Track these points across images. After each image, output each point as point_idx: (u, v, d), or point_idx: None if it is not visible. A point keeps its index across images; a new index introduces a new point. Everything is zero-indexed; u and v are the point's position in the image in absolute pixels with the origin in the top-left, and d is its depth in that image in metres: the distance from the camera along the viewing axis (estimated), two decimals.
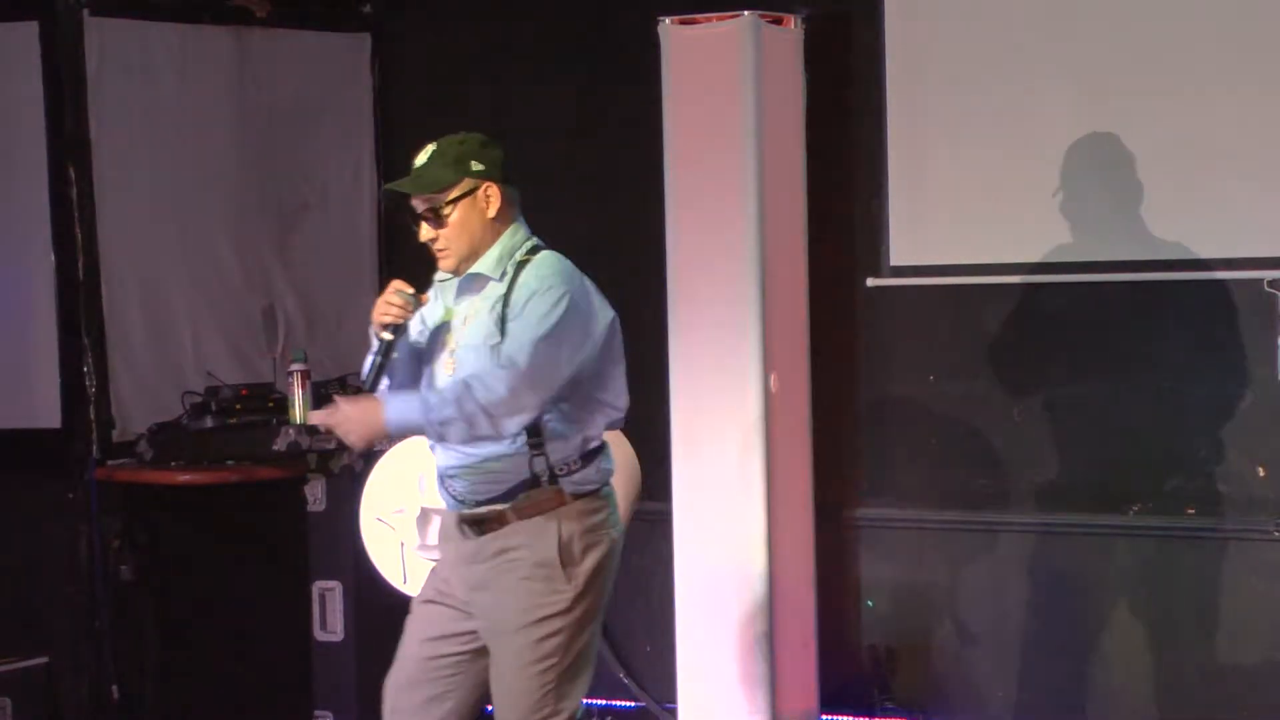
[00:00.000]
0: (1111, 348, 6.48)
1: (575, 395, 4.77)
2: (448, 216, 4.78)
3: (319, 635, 6.98)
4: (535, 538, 4.77)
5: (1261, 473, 6.31)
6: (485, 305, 4.78)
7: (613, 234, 7.14)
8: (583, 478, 4.81)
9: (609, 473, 4.91)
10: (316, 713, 6.91)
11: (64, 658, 6.83)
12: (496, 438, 4.70)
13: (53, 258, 6.83)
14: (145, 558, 6.81)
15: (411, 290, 4.80)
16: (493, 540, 4.80)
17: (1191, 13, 6.32)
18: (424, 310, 4.91)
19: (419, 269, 7.30)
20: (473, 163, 4.80)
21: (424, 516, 5.62)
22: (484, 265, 4.81)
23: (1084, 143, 6.42)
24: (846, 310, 6.81)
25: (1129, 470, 6.45)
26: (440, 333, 4.86)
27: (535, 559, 4.77)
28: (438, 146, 4.83)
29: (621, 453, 5.97)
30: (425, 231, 4.82)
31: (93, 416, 6.80)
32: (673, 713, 6.69)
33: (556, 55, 7.25)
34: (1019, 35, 6.56)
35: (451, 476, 4.85)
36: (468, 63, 7.40)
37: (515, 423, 4.68)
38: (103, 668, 6.77)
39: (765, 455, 6.45)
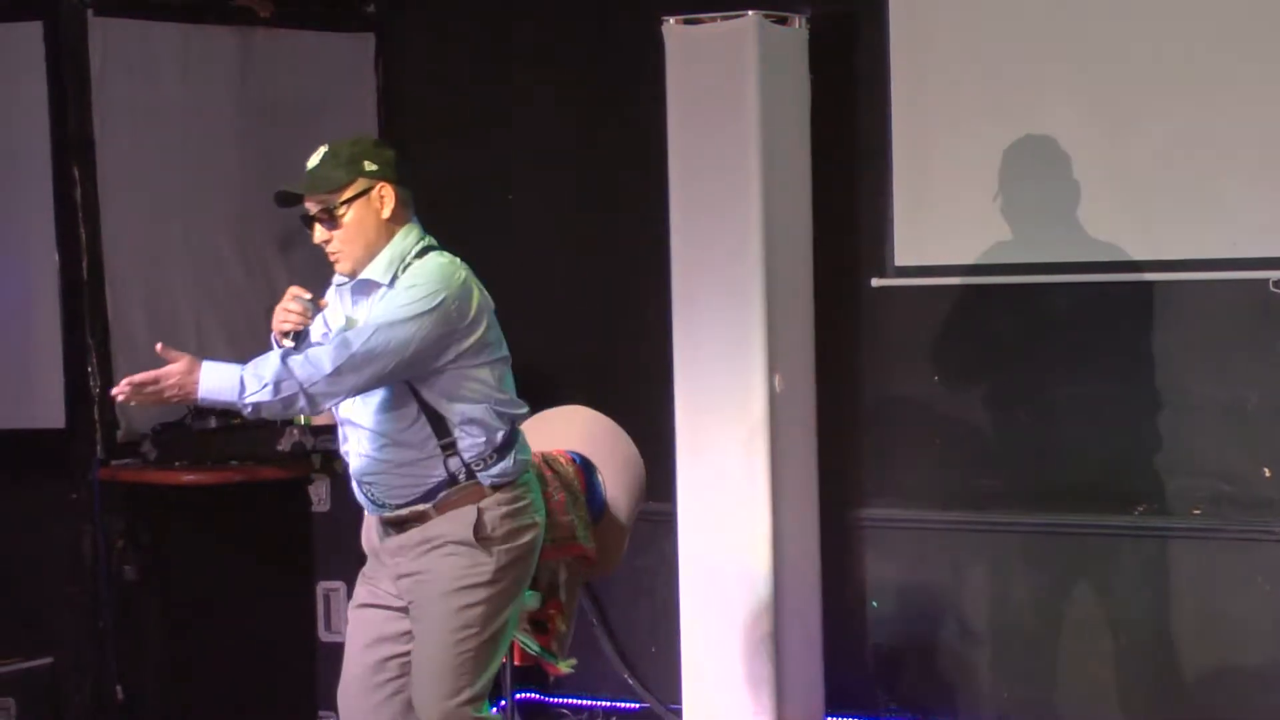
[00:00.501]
0: (1116, 348, 6.47)
1: (474, 394, 4.79)
2: (341, 217, 4.77)
3: (323, 636, 6.99)
4: (455, 523, 4.81)
5: (1267, 473, 6.30)
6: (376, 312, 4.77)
7: (616, 234, 7.14)
8: (501, 470, 4.85)
9: (526, 463, 4.95)
10: (321, 713, 6.90)
11: (68, 658, 6.83)
12: (309, 413, 4.75)
13: (56, 257, 6.83)
14: (149, 558, 6.82)
15: (309, 296, 4.79)
16: (415, 533, 4.84)
17: (1198, 12, 6.31)
18: (326, 313, 4.91)
19: None
20: (366, 163, 4.78)
21: None
22: (374, 270, 4.79)
23: (1090, 142, 6.41)
24: (851, 310, 6.80)
25: (1134, 471, 6.44)
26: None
27: (455, 538, 4.80)
28: (330, 148, 4.81)
29: (625, 452, 5.98)
30: (319, 234, 4.80)
31: (96, 417, 6.79)
32: (678, 714, 6.68)
33: (560, 55, 7.24)
34: (1025, 35, 6.55)
35: (368, 482, 4.87)
36: (471, 63, 7.39)
37: (331, 401, 4.71)
38: (106, 668, 6.77)
39: (770, 455, 6.45)
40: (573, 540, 5.82)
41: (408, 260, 4.79)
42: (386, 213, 4.79)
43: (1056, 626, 6.56)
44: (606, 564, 5.99)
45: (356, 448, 4.88)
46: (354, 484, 4.95)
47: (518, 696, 6.30)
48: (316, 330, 4.90)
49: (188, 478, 6.70)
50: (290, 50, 7.39)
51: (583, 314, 7.21)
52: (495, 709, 6.28)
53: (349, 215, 4.76)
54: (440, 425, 4.78)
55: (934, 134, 6.65)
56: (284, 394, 4.63)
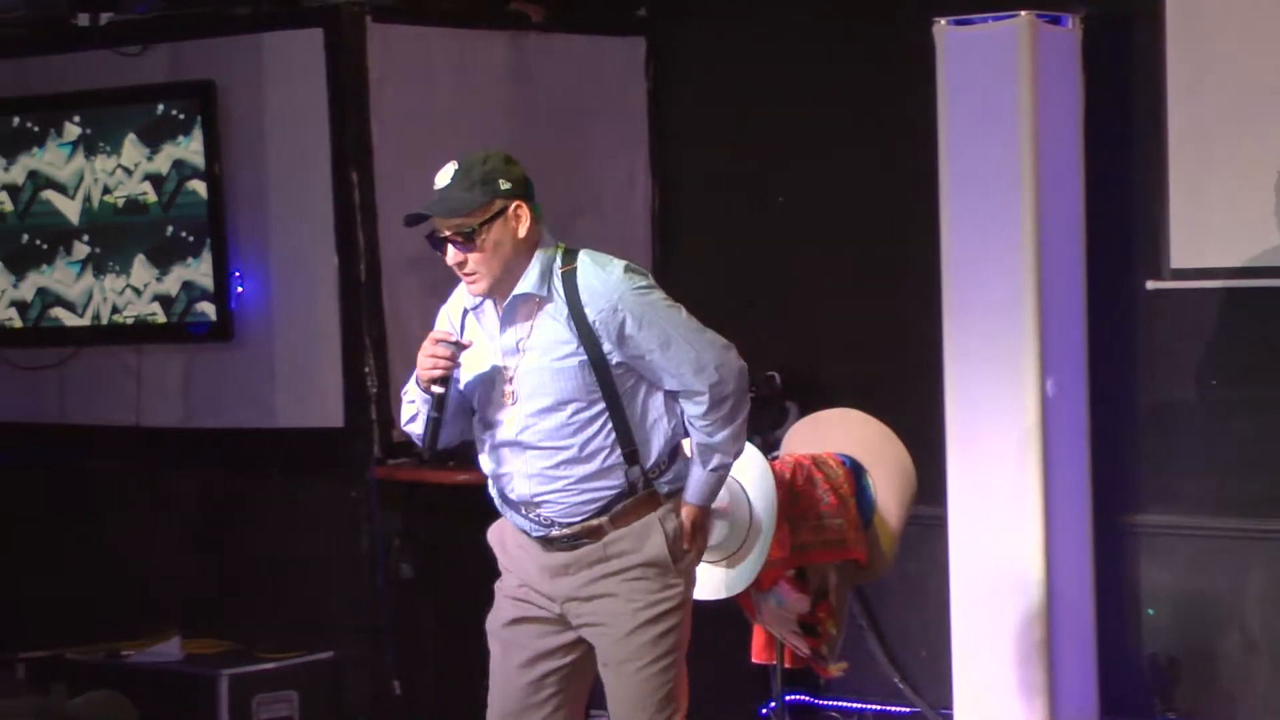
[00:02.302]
0: None
1: (656, 397, 4.69)
2: (479, 240, 4.61)
3: None
4: (640, 540, 4.69)
5: None
6: (550, 325, 4.65)
7: (887, 236, 7.12)
8: (674, 475, 4.73)
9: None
10: (592, 713, 6.94)
11: (348, 653, 6.97)
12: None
13: (336, 260, 6.97)
14: (424, 556, 6.91)
15: (454, 338, 4.67)
16: (590, 550, 4.71)
17: None
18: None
19: (693, 274, 7.38)
20: (500, 182, 4.62)
21: None
22: (528, 285, 4.65)
23: None
24: (1126, 313, 6.71)
25: None
26: (485, 364, 4.72)
27: (643, 559, 4.68)
28: (461, 166, 4.66)
29: (895, 455, 5.97)
30: (453, 255, 4.63)
31: (374, 416, 6.89)
32: (948, 718, 6.64)
33: (830, 56, 7.22)
34: None
35: (539, 503, 4.73)
36: (742, 65, 7.40)
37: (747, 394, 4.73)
38: (384, 663, 6.88)
39: (1042, 460, 6.39)
40: (843, 544, 5.82)
41: (558, 269, 4.66)
42: (523, 232, 4.63)
43: None
44: (876, 567, 5.97)
45: (524, 469, 4.72)
46: (511, 510, 4.82)
47: (788, 699, 6.31)
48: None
49: (461, 477, 6.77)
50: (562, 54, 7.46)
51: (854, 316, 7.19)
52: (765, 710, 6.32)
53: (487, 237, 4.60)
54: (625, 433, 4.67)
55: (1213, 133, 6.53)
56: (737, 421, 4.69)
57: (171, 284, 7.19)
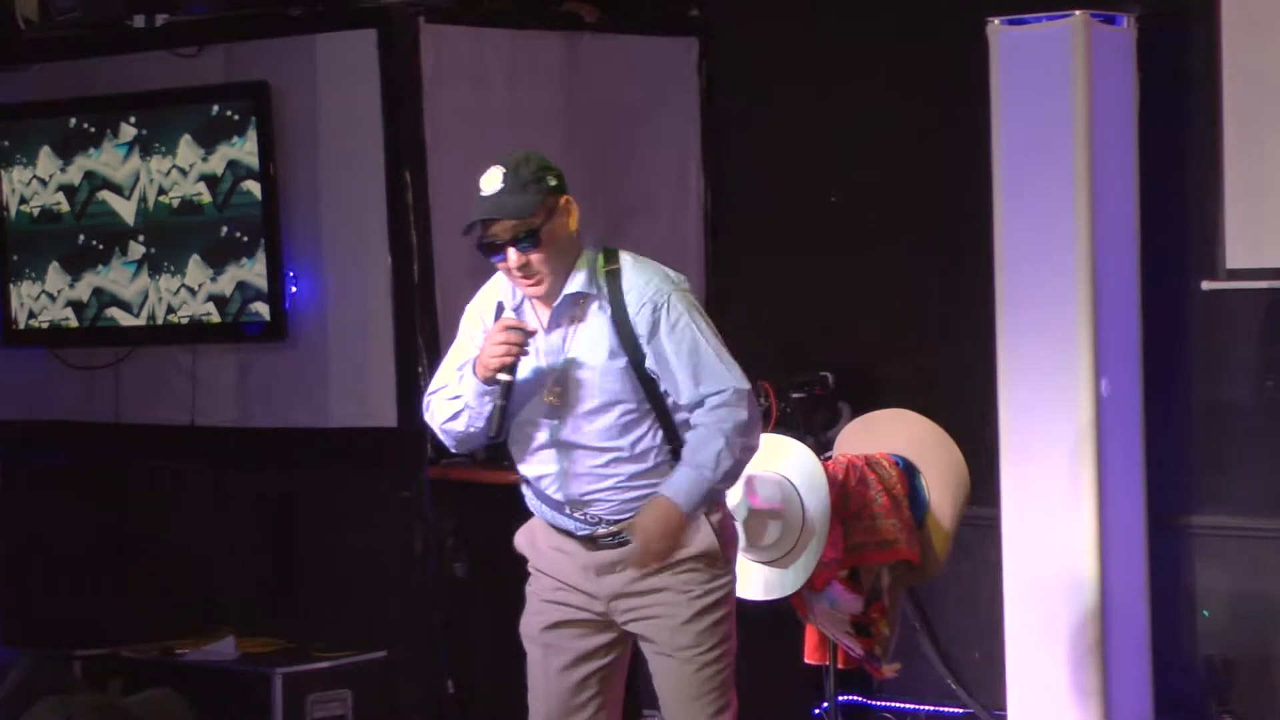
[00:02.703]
0: None
1: None
2: (543, 238, 4.63)
3: None
4: (688, 534, 4.70)
5: None
6: (596, 324, 4.69)
7: (940, 236, 7.11)
8: None
9: None
10: (645, 713, 6.96)
11: (401, 652, 7.00)
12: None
13: (389, 260, 6.99)
14: (478, 555, 6.92)
15: (524, 325, 4.68)
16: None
17: None
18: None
19: (746, 274, 7.39)
20: (548, 178, 4.68)
21: (756, 518, 5.64)
22: (579, 283, 4.70)
23: None
24: (1180, 313, 6.69)
25: None
26: (527, 365, 4.70)
27: (692, 551, 4.71)
28: (509, 168, 4.68)
29: (948, 456, 5.97)
30: (515, 258, 4.63)
31: None
32: (1002, 719, 6.64)
33: (884, 57, 7.22)
34: None
35: (588, 502, 4.74)
36: (794, 65, 7.40)
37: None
38: (438, 662, 6.90)
39: (1096, 461, 6.37)
40: (895, 544, 5.82)
41: (601, 267, 4.71)
42: (573, 224, 4.69)
43: None
44: (929, 568, 5.98)
45: (572, 469, 4.75)
46: (554, 510, 4.81)
47: (841, 699, 6.30)
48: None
49: (514, 477, 6.77)
50: (615, 54, 7.47)
51: (907, 315, 7.19)
52: (818, 711, 6.31)
53: (548, 234, 4.63)
54: (670, 429, 4.70)
55: (1269, 133, 6.50)
56: (740, 458, 4.65)
57: (226, 284, 7.22)
